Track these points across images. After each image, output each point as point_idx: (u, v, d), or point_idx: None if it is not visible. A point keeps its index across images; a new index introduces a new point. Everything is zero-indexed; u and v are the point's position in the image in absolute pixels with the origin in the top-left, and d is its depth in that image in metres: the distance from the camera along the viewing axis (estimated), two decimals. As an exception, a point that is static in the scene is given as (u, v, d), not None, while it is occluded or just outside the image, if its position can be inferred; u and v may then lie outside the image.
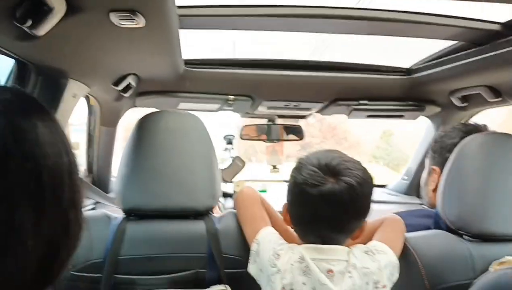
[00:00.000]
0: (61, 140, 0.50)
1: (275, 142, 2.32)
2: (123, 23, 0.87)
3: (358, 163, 1.01)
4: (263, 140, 2.30)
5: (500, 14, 1.27)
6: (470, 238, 1.15)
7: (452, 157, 1.22)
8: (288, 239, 1.11)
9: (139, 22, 0.88)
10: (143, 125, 1.24)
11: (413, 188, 2.43)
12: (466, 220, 1.15)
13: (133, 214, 1.20)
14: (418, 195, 2.41)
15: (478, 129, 1.36)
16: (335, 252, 1.00)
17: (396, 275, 1.06)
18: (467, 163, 1.19)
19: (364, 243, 1.11)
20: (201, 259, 1.16)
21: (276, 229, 1.15)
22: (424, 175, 1.47)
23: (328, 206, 0.95)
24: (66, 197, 0.48)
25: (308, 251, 1.00)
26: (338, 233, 1.01)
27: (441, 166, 1.36)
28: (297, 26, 1.35)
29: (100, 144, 1.97)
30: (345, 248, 1.01)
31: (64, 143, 0.50)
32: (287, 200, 1.06)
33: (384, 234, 1.14)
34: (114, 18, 0.85)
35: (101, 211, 1.29)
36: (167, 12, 0.90)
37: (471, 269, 1.11)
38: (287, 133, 2.30)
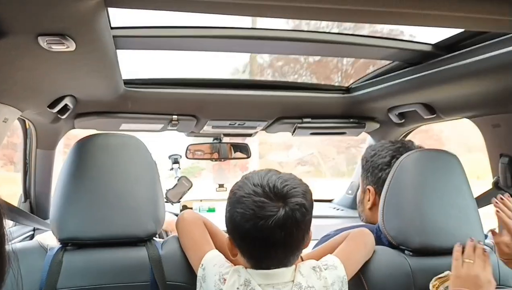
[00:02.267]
0: None
1: (222, 161, 2.31)
2: (52, 47, 0.84)
3: (294, 177, 1.00)
4: (209, 159, 2.28)
5: (433, 35, 1.34)
6: (411, 253, 1.19)
7: (390, 174, 1.26)
8: (235, 261, 1.09)
9: (69, 46, 0.84)
10: (81, 147, 1.19)
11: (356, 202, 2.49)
12: (406, 235, 1.19)
13: (70, 243, 1.14)
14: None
15: (405, 146, 1.40)
16: (281, 275, 0.99)
17: (345, 289, 1.06)
18: (404, 180, 1.23)
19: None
20: (144, 288, 1.12)
21: (221, 250, 1.12)
22: (359, 193, 1.51)
23: (284, 231, 0.93)
24: None
25: (254, 276, 0.98)
26: (293, 253, 0.99)
27: (375, 185, 1.41)
28: (234, 47, 1.35)
29: (37, 168, 1.87)
30: (291, 268, 1.00)
31: None
32: (231, 235, 1.01)
33: (344, 248, 1.15)
34: (42, 42, 0.82)
35: (36, 241, 1.22)
36: (99, 35, 0.87)
37: (412, 283, 1.15)
38: (234, 151, 2.29)
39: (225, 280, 1.00)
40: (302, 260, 1.09)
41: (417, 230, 1.18)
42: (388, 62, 1.60)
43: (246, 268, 1.01)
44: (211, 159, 2.28)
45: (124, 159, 1.19)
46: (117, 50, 1.20)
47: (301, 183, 0.99)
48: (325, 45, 1.34)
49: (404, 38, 1.38)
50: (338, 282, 1.04)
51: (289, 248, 0.98)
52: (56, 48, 0.85)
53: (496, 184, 1.53)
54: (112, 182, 1.16)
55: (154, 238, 1.22)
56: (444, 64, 1.30)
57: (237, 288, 0.97)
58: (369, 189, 1.43)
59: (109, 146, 1.19)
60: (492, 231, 1.15)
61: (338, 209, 2.55)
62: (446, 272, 1.14)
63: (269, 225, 0.92)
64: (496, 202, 1.15)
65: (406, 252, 1.20)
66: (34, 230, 1.84)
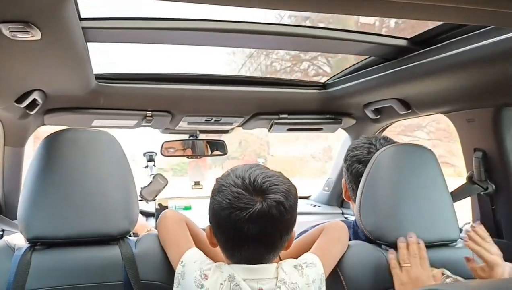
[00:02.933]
0: None
1: (198, 158, 2.28)
2: (17, 35, 0.80)
3: (281, 175, 1.00)
4: (185, 156, 2.25)
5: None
6: (388, 247, 1.19)
7: (367, 170, 1.26)
8: (215, 259, 1.08)
9: (34, 34, 0.80)
10: (49, 144, 1.14)
11: (334, 198, 2.51)
12: (382, 230, 1.19)
13: (39, 243, 1.10)
14: (339, 205, 2.50)
15: (383, 142, 1.41)
16: (265, 271, 0.98)
17: (323, 288, 1.06)
18: (380, 175, 1.23)
19: (307, 250, 1.12)
20: (117, 287, 1.09)
21: (202, 249, 1.11)
22: (343, 182, 1.52)
23: (258, 226, 0.93)
24: None
25: (237, 271, 0.97)
26: (268, 251, 0.98)
27: (348, 180, 1.43)
28: (209, 40, 1.33)
29: (6, 166, 1.80)
30: (274, 265, 1.00)
31: None
32: (211, 223, 1.01)
33: (320, 244, 1.15)
34: (5, 30, 0.78)
35: (3, 241, 1.17)
36: (66, 23, 0.83)
37: (389, 277, 1.15)
38: (211, 148, 2.26)
39: (206, 276, 0.99)
40: (281, 259, 1.08)
41: (393, 225, 1.19)
42: (364, 57, 1.60)
43: (227, 264, 1.00)
44: (186, 156, 2.25)
45: (95, 155, 1.15)
46: (88, 43, 1.16)
47: (286, 182, 0.98)
48: (299, 39, 1.32)
49: (379, 33, 1.38)
50: (317, 279, 1.04)
51: (263, 245, 0.97)
52: (20, 36, 0.81)
53: (470, 179, 1.56)
54: (82, 179, 1.12)
55: (127, 236, 1.19)
56: (419, 59, 1.30)
57: (221, 284, 0.96)
58: (343, 183, 1.46)
59: (79, 141, 1.15)
60: (467, 258, 1.17)
61: (315, 206, 2.55)
62: None
63: (243, 217, 0.92)
64: (468, 231, 1.20)
65: (383, 246, 1.20)
66: (2, 231, 1.77)
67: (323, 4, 0.78)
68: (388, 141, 1.42)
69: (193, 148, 2.21)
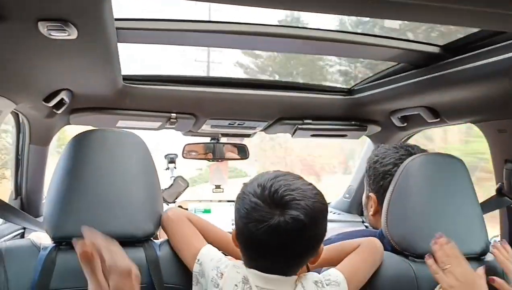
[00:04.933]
0: None
1: (219, 161, 2.28)
2: (53, 34, 0.80)
3: (309, 189, 0.93)
4: (206, 159, 2.25)
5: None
6: (415, 259, 1.16)
7: (395, 179, 1.24)
8: (236, 255, 1.07)
9: (71, 33, 0.80)
10: (77, 144, 1.15)
11: (354, 206, 2.47)
12: (410, 241, 1.16)
13: (64, 242, 1.10)
14: (360, 213, 2.46)
15: (409, 152, 1.36)
16: (281, 283, 0.95)
17: None
18: (409, 184, 1.21)
19: (334, 264, 1.08)
20: None
21: (216, 245, 1.11)
22: (364, 197, 1.48)
23: (275, 240, 0.89)
24: None
25: (253, 276, 0.95)
26: (287, 264, 0.95)
27: (377, 193, 1.37)
28: (237, 43, 1.32)
29: (30, 164, 1.82)
30: (293, 278, 0.96)
31: None
32: (235, 225, 0.98)
33: (351, 263, 1.09)
34: (43, 28, 0.78)
35: (28, 240, 1.17)
36: (103, 23, 0.83)
37: (417, 289, 1.12)
38: (232, 152, 2.26)
39: (222, 274, 0.97)
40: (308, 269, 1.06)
41: (422, 236, 1.16)
42: (392, 63, 1.57)
43: (245, 266, 0.98)
44: (207, 159, 2.25)
45: (122, 157, 1.16)
46: (118, 44, 1.16)
47: (311, 197, 0.91)
48: (329, 43, 1.30)
49: (410, 39, 1.35)
50: None
51: (282, 258, 0.94)
52: (57, 35, 0.81)
53: (499, 191, 1.51)
54: (109, 180, 1.12)
55: (151, 238, 1.18)
56: (450, 67, 1.27)
57: (235, 285, 0.94)
58: (371, 197, 1.40)
59: (106, 142, 1.15)
60: (491, 279, 1.12)
61: (334, 213, 2.52)
62: None
63: (259, 229, 0.88)
64: (497, 249, 1.17)
65: (410, 257, 1.17)
66: (24, 228, 1.79)
67: (358, 7, 0.77)
68: (415, 149, 1.38)
69: (214, 152, 2.20)
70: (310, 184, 0.95)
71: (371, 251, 1.14)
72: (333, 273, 1.04)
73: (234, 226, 1.00)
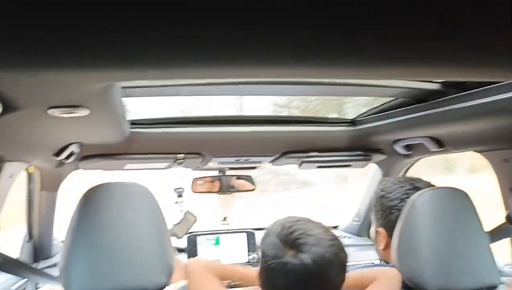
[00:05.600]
0: None
1: (227, 194, 2.29)
2: (64, 115, 0.83)
3: (326, 233, 0.96)
4: (214, 192, 2.26)
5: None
6: None
7: (403, 215, 1.24)
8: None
9: (82, 113, 0.83)
10: (87, 199, 1.17)
11: (364, 229, 2.46)
12: (422, 278, 1.17)
13: None
14: (370, 236, 2.45)
15: (414, 186, 1.37)
16: None
17: None
18: (417, 220, 1.21)
19: None
20: None
21: (249, 283, 1.15)
22: (372, 232, 1.48)
23: (285, 279, 0.92)
24: None
25: None
26: None
27: (386, 227, 1.37)
28: (240, 91, 1.35)
29: (41, 209, 1.85)
30: None
31: None
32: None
33: None
34: (54, 112, 0.80)
35: None
36: (112, 99, 0.86)
37: None
38: (239, 184, 2.27)
39: None
40: None
41: (434, 272, 1.16)
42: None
43: None
44: (215, 192, 2.26)
45: (130, 209, 1.17)
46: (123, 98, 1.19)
47: (325, 245, 0.95)
48: (328, 86, 1.33)
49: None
50: None
51: None
52: (68, 115, 0.83)
53: (509, 219, 1.51)
54: (118, 232, 1.14)
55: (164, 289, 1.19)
56: (452, 103, 1.29)
57: None
58: (380, 232, 1.40)
59: (114, 195, 1.17)
60: None
61: (344, 237, 2.52)
62: None
63: (271, 265, 0.93)
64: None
65: None
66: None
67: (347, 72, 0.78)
68: (420, 183, 1.39)
69: (222, 184, 2.22)
70: (331, 233, 0.98)
71: (390, 283, 1.16)
72: None
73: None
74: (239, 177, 2.23)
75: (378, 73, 0.69)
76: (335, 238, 0.98)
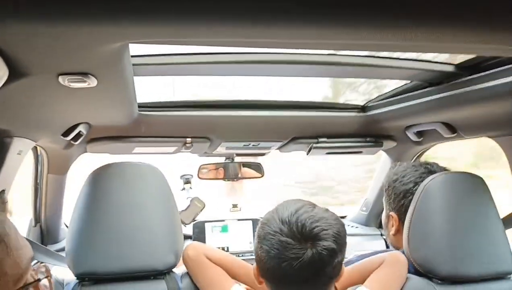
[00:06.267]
0: None
1: (234, 181, 2.28)
2: (73, 84, 0.81)
3: (329, 215, 0.95)
4: (221, 179, 2.24)
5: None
6: (439, 281, 1.15)
7: (414, 199, 1.23)
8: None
9: (91, 82, 0.82)
10: (95, 178, 1.16)
11: (372, 219, 2.44)
12: (433, 263, 1.15)
13: (87, 278, 1.11)
14: (378, 226, 2.44)
15: (429, 170, 1.36)
16: None
17: None
18: (430, 205, 1.20)
19: (361, 282, 1.10)
20: None
21: (241, 280, 1.12)
22: (384, 217, 1.47)
23: (309, 272, 0.90)
24: None
25: None
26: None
27: (398, 212, 1.37)
28: (250, 71, 1.33)
29: (48, 192, 1.85)
30: None
31: None
32: (258, 265, 0.98)
33: (379, 277, 1.10)
34: (63, 80, 0.79)
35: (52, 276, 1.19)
36: (122, 70, 0.85)
37: None
38: (246, 171, 2.26)
39: None
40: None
41: (446, 258, 1.15)
42: (406, 80, 1.57)
43: None
44: (223, 179, 2.24)
45: (140, 189, 1.17)
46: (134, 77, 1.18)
47: (334, 224, 0.93)
48: (340, 67, 1.30)
49: (425, 58, 1.35)
50: None
51: (314, 286, 0.94)
52: (77, 85, 0.82)
53: None
54: (128, 213, 1.13)
55: (173, 270, 1.19)
56: (467, 85, 1.26)
57: None
58: (392, 216, 1.39)
59: (124, 175, 1.17)
60: None
61: (352, 227, 2.50)
62: None
63: (293, 267, 0.88)
64: None
65: (434, 280, 1.16)
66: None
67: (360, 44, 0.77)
68: (434, 167, 1.37)
69: (229, 171, 2.20)
70: (327, 210, 0.97)
71: (397, 265, 1.15)
72: None
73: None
74: (246, 164, 2.22)
75: (399, 39, 0.67)
76: (332, 212, 0.96)
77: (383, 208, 2.32)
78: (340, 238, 0.92)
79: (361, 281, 1.12)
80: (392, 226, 1.38)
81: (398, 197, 1.35)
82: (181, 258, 1.20)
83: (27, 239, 1.46)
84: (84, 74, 0.77)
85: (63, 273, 1.21)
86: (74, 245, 1.11)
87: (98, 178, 1.16)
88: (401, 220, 1.33)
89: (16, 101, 0.89)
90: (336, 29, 0.64)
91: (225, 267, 1.15)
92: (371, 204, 2.41)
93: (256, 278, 1.00)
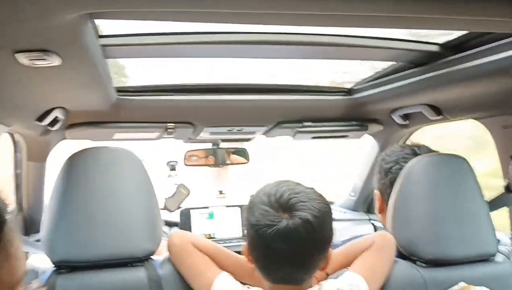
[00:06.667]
0: None
1: (220, 167, 2.25)
2: (35, 63, 0.77)
3: (312, 191, 0.95)
4: (207, 165, 2.22)
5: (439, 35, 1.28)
6: (423, 264, 1.14)
7: (398, 181, 1.21)
8: (248, 278, 1.07)
9: (54, 61, 0.77)
10: (71, 164, 1.13)
11: (360, 204, 2.44)
12: (417, 246, 1.14)
13: (64, 266, 1.08)
14: (366, 211, 2.43)
15: (414, 152, 1.35)
16: None
17: None
18: (413, 187, 1.18)
19: (348, 265, 1.08)
20: None
21: (228, 270, 1.08)
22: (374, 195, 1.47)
23: (285, 244, 0.89)
24: None
25: None
26: (300, 271, 0.94)
27: (380, 190, 1.38)
28: (230, 52, 1.29)
29: (29, 180, 1.81)
30: (315, 287, 0.96)
31: None
32: (247, 242, 0.98)
33: (369, 263, 1.08)
34: (22, 59, 0.75)
35: (28, 264, 1.16)
36: (86, 47, 0.80)
37: None
38: (233, 157, 2.23)
39: None
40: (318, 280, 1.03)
41: (430, 240, 1.13)
42: (392, 62, 1.54)
43: (263, 287, 0.98)
44: (208, 165, 2.22)
45: (117, 174, 1.14)
46: (107, 59, 1.13)
47: (315, 199, 0.93)
48: (324, 48, 1.27)
49: (408, 39, 1.32)
50: None
51: (294, 264, 0.93)
52: (39, 64, 0.78)
53: (507, 188, 1.47)
54: (105, 199, 1.10)
55: (151, 257, 1.16)
56: (451, 65, 1.23)
57: None
58: (375, 193, 1.40)
59: (101, 161, 1.13)
60: None
61: (340, 212, 2.49)
62: (461, 284, 1.09)
63: (269, 234, 0.89)
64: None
65: (418, 263, 1.15)
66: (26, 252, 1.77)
67: (348, 19, 0.75)
68: (421, 149, 1.36)
69: (215, 157, 2.18)
70: (312, 188, 0.97)
71: (386, 247, 1.13)
72: (352, 277, 1.03)
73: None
74: (231, 150, 2.19)
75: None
76: (316, 191, 0.97)
77: (371, 193, 2.33)
78: (319, 213, 0.91)
79: (348, 264, 1.10)
80: (376, 203, 1.40)
81: (381, 175, 1.37)
82: (159, 246, 1.17)
83: None
84: (44, 51, 0.73)
85: (39, 260, 1.18)
86: (49, 232, 1.08)
87: (74, 163, 1.13)
88: (384, 198, 1.34)
89: None
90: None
91: (212, 256, 1.12)
92: (359, 189, 2.40)
93: (246, 255, 1.00)
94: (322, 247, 0.95)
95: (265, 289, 0.98)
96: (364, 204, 2.43)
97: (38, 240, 1.84)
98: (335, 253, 1.10)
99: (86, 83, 1.10)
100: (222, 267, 1.09)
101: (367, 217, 2.40)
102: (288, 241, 0.89)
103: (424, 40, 1.29)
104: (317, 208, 0.91)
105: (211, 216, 2.28)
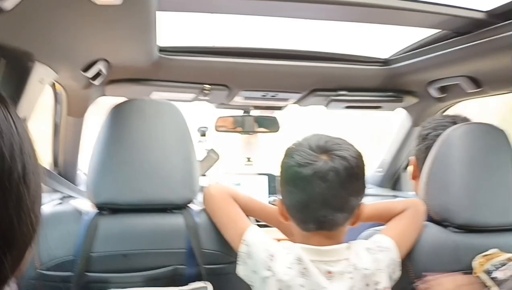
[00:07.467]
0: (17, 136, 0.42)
1: (250, 134, 2.27)
2: None
3: (347, 141, 0.99)
4: (237, 132, 2.25)
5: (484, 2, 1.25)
6: (455, 229, 1.15)
7: (435, 147, 1.22)
8: (283, 230, 1.11)
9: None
10: (116, 113, 1.17)
11: (387, 181, 2.43)
12: (451, 211, 1.15)
13: (106, 208, 1.13)
14: (392, 187, 2.42)
15: (454, 122, 1.34)
16: (335, 253, 0.96)
17: (398, 273, 1.03)
18: (450, 154, 1.18)
19: (375, 220, 1.13)
20: (180, 255, 1.11)
21: (267, 219, 1.15)
22: None
23: (324, 183, 0.91)
24: (16, 177, 0.41)
25: (306, 252, 0.95)
26: (338, 212, 0.95)
27: (415, 156, 1.40)
28: (273, 10, 1.28)
29: (66, 136, 1.87)
30: (344, 245, 0.98)
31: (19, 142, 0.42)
32: (281, 191, 1.01)
33: (399, 226, 1.10)
34: None
35: (71, 205, 1.22)
36: None
37: (456, 260, 1.11)
38: (262, 125, 2.25)
39: (273, 257, 0.97)
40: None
41: (463, 206, 1.14)
42: (431, 32, 1.51)
43: (296, 243, 0.99)
44: (238, 132, 2.25)
45: (160, 125, 1.17)
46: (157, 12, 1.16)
47: (353, 149, 0.97)
48: (364, 9, 1.25)
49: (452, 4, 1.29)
50: (391, 265, 1.01)
51: (333, 205, 0.93)
52: (102, 1, 0.80)
53: None
54: (147, 148, 1.15)
55: (189, 205, 1.20)
56: (496, 33, 1.21)
57: (289, 268, 0.94)
58: (411, 160, 1.42)
59: (145, 112, 1.17)
60: None
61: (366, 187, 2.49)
62: (493, 250, 1.10)
63: (308, 173, 0.92)
64: None
65: (450, 228, 1.16)
66: (62, 199, 1.84)
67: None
68: (460, 119, 1.36)
69: (246, 125, 2.20)
70: (345, 139, 1.01)
71: (417, 215, 1.14)
72: (383, 239, 1.04)
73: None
74: (262, 118, 2.21)
75: None
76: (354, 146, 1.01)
77: (399, 169, 2.32)
78: (356, 154, 0.96)
79: (383, 219, 1.13)
80: (411, 170, 1.42)
81: (418, 141, 1.39)
82: (197, 195, 1.21)
83: (48, 170, 1.49)
84: None
85: (81, 204, 1.23)
86: (94, 176, 1.13)
87: (119, 113, 1.17)
88: (419, 165, 1.34)
89: (41, 16, 0.88)
90: None
91: (247, 206, 1.15)
92: (387, 165, 2.39)
93: (280, 212, 1.02)
94: (357, 192, 0.97)
95: (296, 242, 1.01)
96: (391, 181, 2.42)
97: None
98: (370, 207, 1.12)
99: (135, 33, 1.13)
100: (256, 216, 1.13)
101: (392, 194, 2.39)
102: (327, 180, 0.91)
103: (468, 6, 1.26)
104: (354, 150, 0.96)
105: (238, 183, 2.32)
